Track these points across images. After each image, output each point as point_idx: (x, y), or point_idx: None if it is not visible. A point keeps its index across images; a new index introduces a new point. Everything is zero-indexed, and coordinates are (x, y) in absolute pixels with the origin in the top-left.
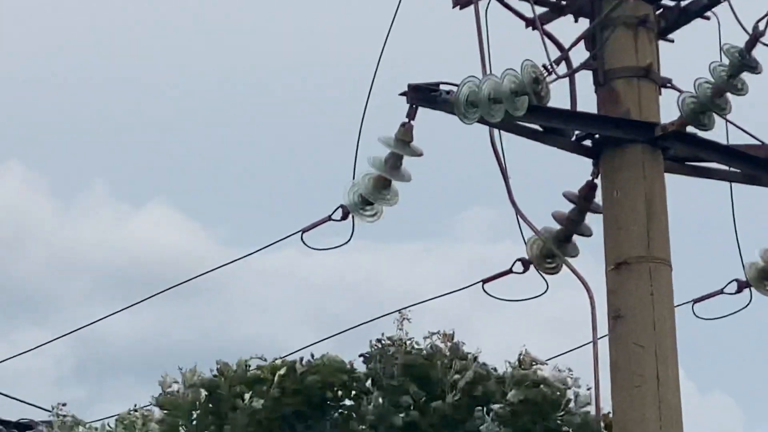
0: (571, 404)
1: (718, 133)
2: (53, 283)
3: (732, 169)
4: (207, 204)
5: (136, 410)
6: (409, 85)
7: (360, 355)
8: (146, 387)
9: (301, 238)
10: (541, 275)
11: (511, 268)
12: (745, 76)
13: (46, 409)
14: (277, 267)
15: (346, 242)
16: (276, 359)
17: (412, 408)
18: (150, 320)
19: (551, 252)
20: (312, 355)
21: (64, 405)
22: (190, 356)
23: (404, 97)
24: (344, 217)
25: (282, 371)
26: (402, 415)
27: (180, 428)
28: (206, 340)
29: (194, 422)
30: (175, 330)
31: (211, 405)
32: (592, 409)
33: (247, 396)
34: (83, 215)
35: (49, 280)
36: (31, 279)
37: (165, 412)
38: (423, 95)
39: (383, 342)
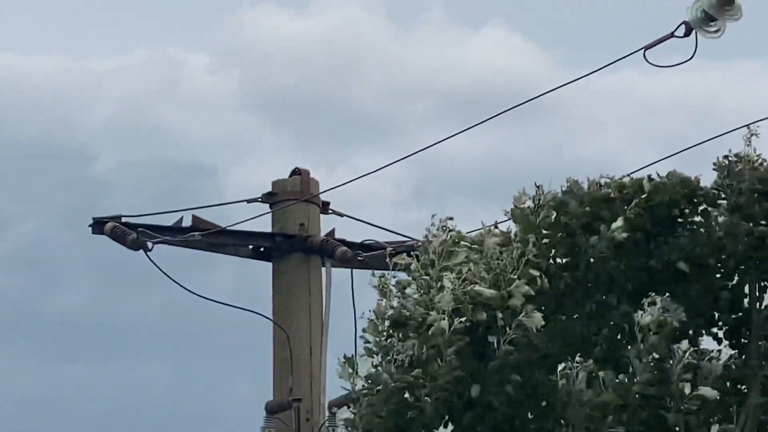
0: None
1: None
2: (392, 106)
3: None
4: (544, 25)
5: (496, 226)
6: None
7: (713, 165)
8: (485, 208)
9: (644, 55)
10: None
11: None
12: None
13: (389, 230)
14: (616, 87)
15: (690, 58)
16: (623, 176)
17: (761, 224)
18: (488, 142)
19: None
20: (657, 173)
21: (450, 219)
22: (528, 177)
23: None
24: (687, 34)
25: (632, 190)
26: (751, 230)
27: (531, 245)
28: (544, 160)
29: (544, 240)
30: (514, 151)
31: (561, 222)
32: None
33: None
34: (421, 39)
35: (389, 103)
36: (371, 102)
37: (517, 228)
38: None
39: (730, 158)
